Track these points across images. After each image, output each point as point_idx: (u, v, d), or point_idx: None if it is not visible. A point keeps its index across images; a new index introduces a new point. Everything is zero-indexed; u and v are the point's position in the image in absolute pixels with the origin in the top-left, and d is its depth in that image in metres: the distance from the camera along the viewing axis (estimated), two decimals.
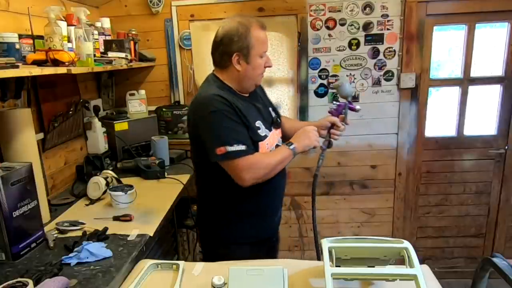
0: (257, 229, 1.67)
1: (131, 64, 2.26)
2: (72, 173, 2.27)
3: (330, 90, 2.73)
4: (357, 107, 1.71)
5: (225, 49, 1.49)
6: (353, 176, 2.88)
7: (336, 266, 1.10)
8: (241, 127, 1.46)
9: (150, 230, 1.58)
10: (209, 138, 1.44)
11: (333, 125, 1.67)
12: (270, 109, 1.71)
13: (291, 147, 1.52)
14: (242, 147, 1.41)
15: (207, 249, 1.71)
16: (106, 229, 1.56)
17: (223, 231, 1.63)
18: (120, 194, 1.82)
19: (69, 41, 1.75)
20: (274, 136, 1.63)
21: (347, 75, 2.70)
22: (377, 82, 2.72)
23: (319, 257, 1.79)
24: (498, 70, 2.72)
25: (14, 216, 1.34)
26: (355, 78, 2.71)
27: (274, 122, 1.65)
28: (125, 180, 2.09)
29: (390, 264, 1.16)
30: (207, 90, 1.50)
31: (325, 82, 2.73)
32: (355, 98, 2.73)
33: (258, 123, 1.54)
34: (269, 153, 1.53)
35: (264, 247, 1.70)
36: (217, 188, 1.57)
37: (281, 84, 2.80)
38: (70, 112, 2.21)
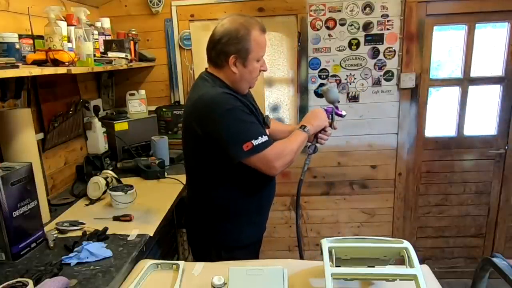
0: (259, 228, 1.69)
1: (131, 64, 2.26)
2: (72, 173, 2.27)
3: None
4: (343, 112, 1.71)
5: (222, 49, 1.44)
6: (353, 176, 2.89)
7: (336, 266, 1.10)
8: (256, 120, 1.46)
9: (150, 230, 1.58)
10: (232, 137, 1.38)
11: (320, 130, 1.66)
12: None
13: (306, 129, 1.52)
14: (266, 138, 1.40)
15: (205, 253, 1.62)
16: (106, 229, 1.56)
17: (229, 234, 1.58)
18: (120, 194, 1.82)
19: (69, 41, 1.75)
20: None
21: (347, 75, 2.70)
22: (377, 82, 2.72)
23: (302, 256, 1.84)
24: (498, 70, 2.72)
25: (14, 216, 1.34)
26: (355, 78, 2.71)
27: (264, 122, 1.63)
28: (125, 180, 2.10)
29: (390, 264, 1.16)
30: (212, 89, 1.44)
31: (325, 82, 2.73)
32: (355, 98, 2.74)
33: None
34: (289, 140, 1.50)
35: (259, 246, 1.75)
36: (225, 187, 1.52)
37: (281, 84, 2.80)
38: (70, 112, 2.21)
